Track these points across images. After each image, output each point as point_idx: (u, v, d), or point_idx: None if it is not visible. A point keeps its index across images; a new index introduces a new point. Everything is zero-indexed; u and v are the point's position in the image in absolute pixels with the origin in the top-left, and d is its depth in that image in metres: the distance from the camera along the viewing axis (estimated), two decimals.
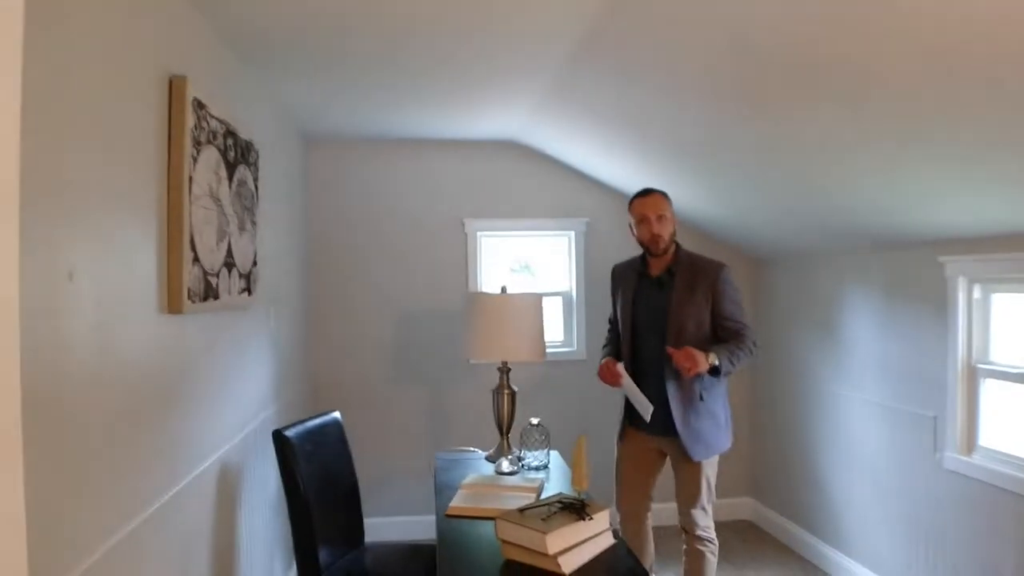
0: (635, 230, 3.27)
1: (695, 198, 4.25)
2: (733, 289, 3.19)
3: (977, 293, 3.21)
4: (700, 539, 3.25)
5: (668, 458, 3.33)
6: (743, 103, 2.69)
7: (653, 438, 3.29)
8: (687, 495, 3.26)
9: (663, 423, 3.18)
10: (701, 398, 3.15)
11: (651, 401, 3.12)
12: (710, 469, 3.23)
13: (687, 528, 3.28)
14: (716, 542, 3.28)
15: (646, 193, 3.26)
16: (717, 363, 3.01)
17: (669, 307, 3.18)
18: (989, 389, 3.18)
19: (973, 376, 3.22)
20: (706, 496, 3.24)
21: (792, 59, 2.22)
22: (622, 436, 3.43)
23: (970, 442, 3.23)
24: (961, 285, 3.24)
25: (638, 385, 3.19)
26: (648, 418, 3.14)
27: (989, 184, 2.54)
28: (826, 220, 3.58)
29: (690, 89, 2.77)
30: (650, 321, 3.26)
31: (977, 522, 3.14)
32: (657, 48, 2.54)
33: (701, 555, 3.26)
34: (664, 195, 3.24)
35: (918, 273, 3.49)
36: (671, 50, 2.52)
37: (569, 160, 4.71)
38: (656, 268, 3.28)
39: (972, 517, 3.16)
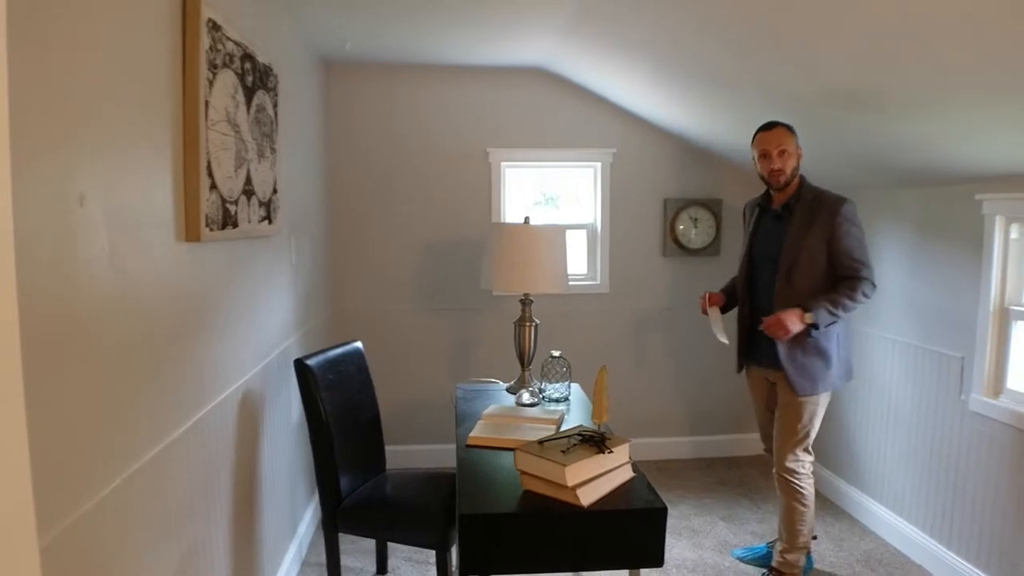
0: (757, 164, 3.24)
1: (717, 123, 4.14)
2: (853, 226, 3.09)
3: (1015, 233, 3.12)
4: (783, 479, 3.29)
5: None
6: (783, 33, 2.58)
7: (764, 370, 3.38)
8: (779, 430, 3.29)
9: (770, 356, 3.24)
10: (810, 335, 3.11)
11: (759, 334, 3.22)
12: (811, 409, 3.21)
13: (774, 464, 3.33)
14: (805, 489, 3.26)
15: (769, 127, 3.19)
16: (815, 321, 3.03)
17: (784, 240, 3.18)
18: (1021, 331, 3.11)
19: (1005, 318, 3.15)
20: (798, 436, 3.23)
21: None
22: (742, 368, 3.50)
23: (997, 385, 3.18)
24: (998, 224, 3.14)
25: (751, 316, 3.35)
26: (722, 346, 3.52)
27: None
28: (861, 154, 3.46)
29: (724, 16, 2.65)
30: (766, 253, 3.28)
31: (1001, 465, 3.11)
32: None
33: (784, 495, 3.30)
34: (788, 128, 3.16)
35: (953, 210, 3.39)
36: None
37: (596, 88, 4.59)
38: (778, 202, 3.28)
39: (996, 460, 3.13)
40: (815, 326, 3.04)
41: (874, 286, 3.08)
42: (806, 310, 3.03)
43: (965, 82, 2.34)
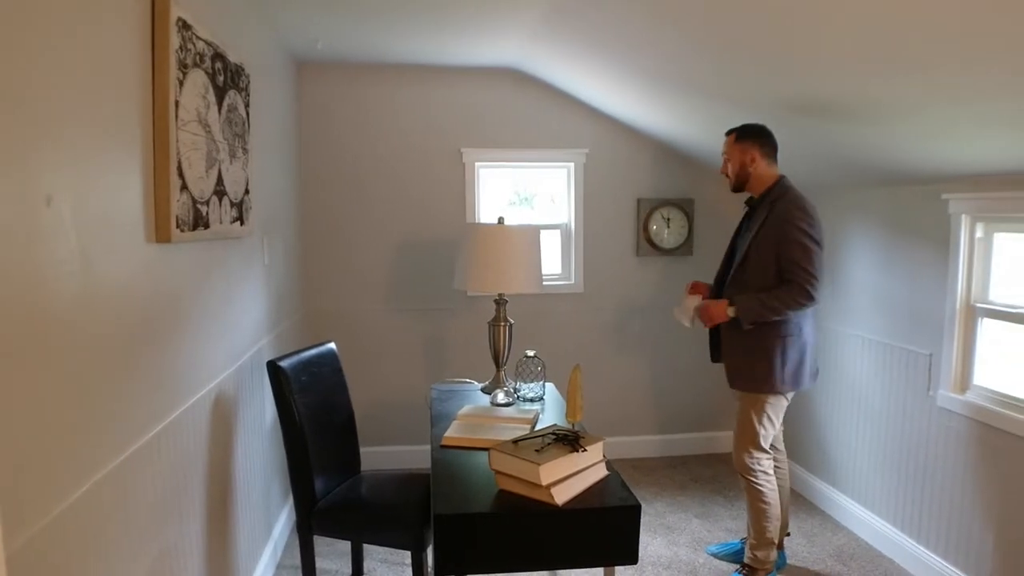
0: None
1: (691, 126, 4.17)
2: (798, 231, 3.10)
3: (979, 232, 3.18)
4: (741, 477, 3.36)
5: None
6: (752, 31, 2.60)
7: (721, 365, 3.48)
8: (735, 428, 3.37)
9: (718, 351, 3.42)
10: (752, 333, 3.19)
11: (717, 327, 3.38)
12: (758, 408, 3.26)
13: (733, 460, 3.41)
14: (763, 487, 3.30)
15: (727, 133, 3.34)
16: (737, 315, 3.17)
17: (744, 238, 3.31)
18: (986, 328, 3.17)
19: (971, 315, 3.21)
20: (747, 434, 3.29)
21: None
22: (716, 358, 3.55)
23: (964, 381, 3.24)
24: (964, 223, 3.19)
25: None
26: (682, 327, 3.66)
27: (997, 121, 2.47)
28: (830, 154, 3.51)
29: (692, 15, 2.67)
30: (735, 249, 3.42)
31: (967, 460, 3.16)
32: None
33: (746, 493, 3.36)
34: (731, 133, 3.29)
35: (921, 210, 3.45)
36: None
37: (569, 89, 4.60)
38: (754, 202, 3.39)
39: (963, 454, 3.19)
40: (739, 321, 3.17)
41: (810, 296, 3.05)
42: (731, 304, 3.19)
43: (931, 85, 2.38)
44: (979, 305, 3.17)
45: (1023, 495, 2.89)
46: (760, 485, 3.28)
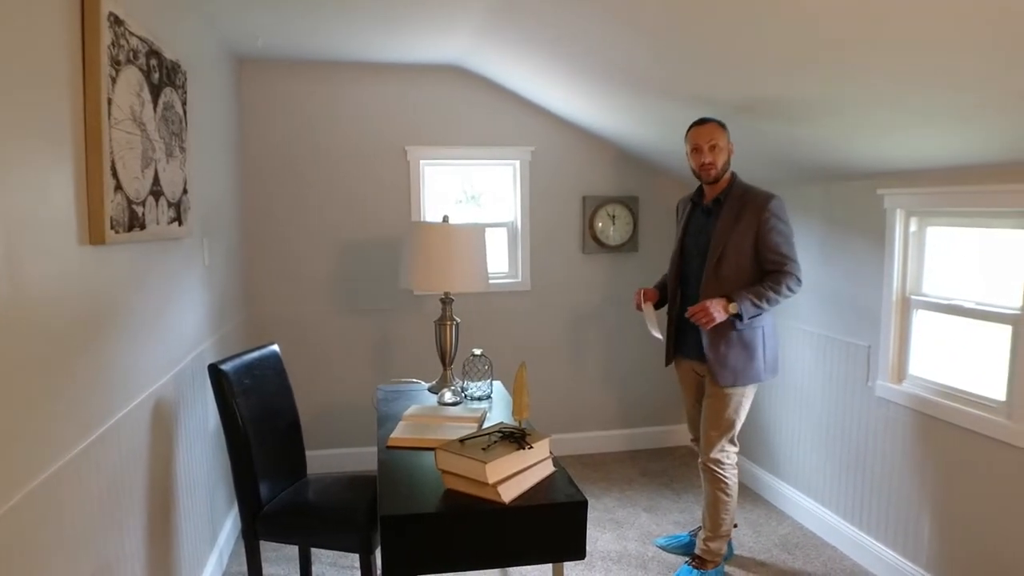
0: (689, 158, 3.31)
1: (638, 125, 4.20)
2: (780, 221, 3.15)
3: (913, 226, 3.27)
4: (708, 469, 3.37)
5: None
6: (698, 32, 2.63)
7: (692, 362, 3.45)
8: (705, 421, 3.36)
9: (698, 348, 3.33)
10: (734, 327, 3.19)
11: (688, 326, 3.36)
12: (736, 400, 3.28)
13: (701, 455, 3.40)
14: (729, 479, 3.34)
15: (701, 122, 3.25)
16: (739, 311, 3.11)
17: (712, 234, 3.25)
18: (921, 320, 3.26)
19: (907, 307, 3.30)
20: (723, 427, 3.31)
21: None
22: (670, 361, 3.57)
23: (901, 371, 3.33)
24: (899, 217, 3.28)
25: (681, 309, 3.42)
26: (656, 341, 3.52)
27: (925, 119, 2.54)
28: (770, 151, 3.57)
29: (632, 14, 2.69)
30: (696, 248, 3.36)
31: (904, 448, 3.25)
32: None
33: (709, 485, 3.38)
34: (720, 124, 3.22)
35: (858, 205, 3.53)
36: None
37: (514, 87, 4.61)
38: (709, 197, 3.34)
39: (900, 442, 3.27)
40: (739, 317, 3.12)
41: (799, 281, 3.15)
42: (730, 300, 3.12)
43: (865, 84, 2.43)
44: (914, 297, 3.26)
45: (957, 481, 2.98)
46: (727, 478, 3.33)
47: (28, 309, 1.59)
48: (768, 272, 3.17)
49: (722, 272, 3.20)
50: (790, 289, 3.13)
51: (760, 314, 3.17)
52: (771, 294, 3.10)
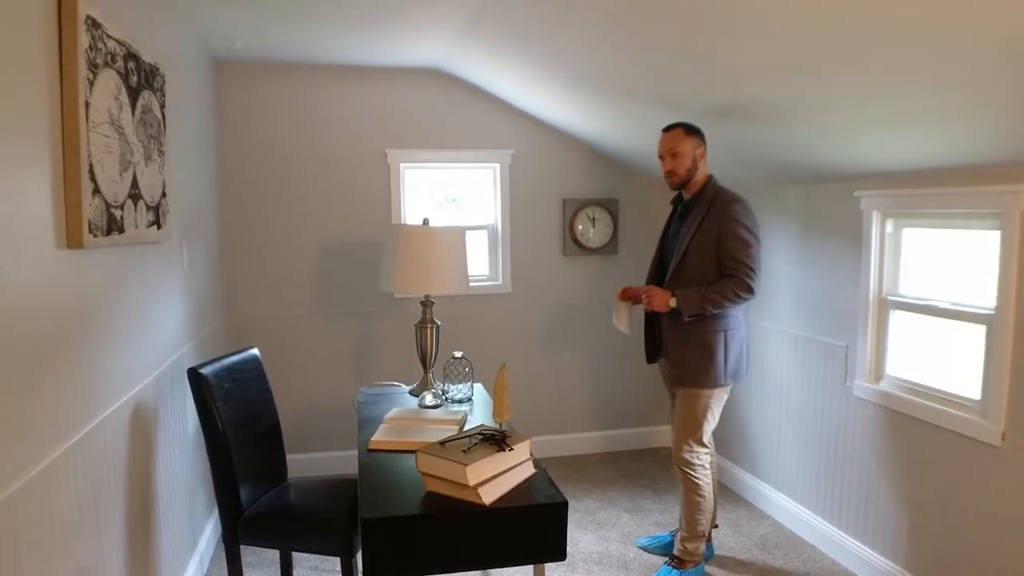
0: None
1: (615, 128, 4.23)
2: (740, 226, 3.17)
3: (889, 227, 3.31)
4: (679, 470, 3.42)
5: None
6: (666, 35, 2.65)
7: (664, 361, 3.51)
8: (675, 421, 3.43)
9: (662, 346, 3.44)
10: (695, 327, 3.25)
11: (656, 323, 3.47)
12: (702, 402, 3.31)
13: (672, 454, 3.46)
14: (700, 480, 3.36)
15: (667, 129, 3.31)
16: (678, 307, 3.20)
17: (678, 237, 3.32)
18: (897, 320, 3.30)
19: (883, 307, 3.34)
20: (688, 428, 3.34)
21: None
22: (652, 359, 3.61)
23: (878, 371, 3.37)
24: (875, 219, 3.32)
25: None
26: (620, 335, 3.69)
27: (901, 121, 2.58)
28: (749, 154, 3.60)
29: (613, 19, 2.71)
30: (669, 248, 3.44)
31: (882, 447, 3.29)
32: None
33: (682, 485, 3.41)
34: (687, 130, 3.26)
35: (835, 207, 3.57)
36: None
37: (494, 90, 4.62)
38: (686, 199, 3.39)
39: (878, 441, 3.31)
40: (680, 312, 3.20)
41: (750, 288, 3.14)
42: (673, 295, 3.22)
43: (841, 88, 2.47)
44: (890, 298, 3.30)
45: (933, 479, 3.02)
46: (698, 478, 3.35)
47: (6, 313, 1.58)
48: (723, 276, 3.20)
49: (684, 273, 3.26)
50: (736, 295, 3.13)
51: (703, 314, 3.20)
52: (716, 297, 3.14)
